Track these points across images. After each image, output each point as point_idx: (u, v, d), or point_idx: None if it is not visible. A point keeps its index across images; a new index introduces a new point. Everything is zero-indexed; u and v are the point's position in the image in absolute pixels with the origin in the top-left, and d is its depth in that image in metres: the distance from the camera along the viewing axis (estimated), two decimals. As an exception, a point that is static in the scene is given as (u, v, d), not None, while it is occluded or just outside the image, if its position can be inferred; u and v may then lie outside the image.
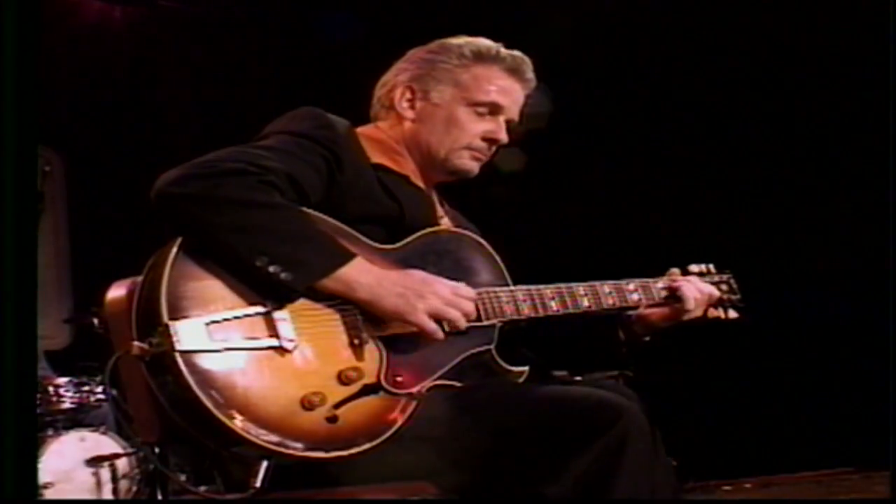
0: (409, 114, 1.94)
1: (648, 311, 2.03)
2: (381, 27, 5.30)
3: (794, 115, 4.62)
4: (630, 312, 2.04)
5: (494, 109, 1.97)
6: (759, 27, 4.60)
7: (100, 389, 4.32)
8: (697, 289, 2.05)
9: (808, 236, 4.60)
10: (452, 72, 1.94)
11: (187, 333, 1.49)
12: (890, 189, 2.19)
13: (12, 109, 1.59)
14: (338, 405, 1.58)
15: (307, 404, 1.55)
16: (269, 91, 5.51)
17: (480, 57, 1.94)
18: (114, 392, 1.72)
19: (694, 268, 2.17)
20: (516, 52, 1.97)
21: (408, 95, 1.94)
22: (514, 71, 1.97)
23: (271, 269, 1.55)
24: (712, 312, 2.14)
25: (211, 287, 1.55)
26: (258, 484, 1.53)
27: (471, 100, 1.94)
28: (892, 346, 2.10)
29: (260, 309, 1.56)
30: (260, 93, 5.52)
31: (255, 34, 5.78)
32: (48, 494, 3.87)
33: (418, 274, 1.72)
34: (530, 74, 1.99)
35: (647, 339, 2.06)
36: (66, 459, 4.02)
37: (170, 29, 5.79)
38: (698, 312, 2.05)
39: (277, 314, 1.58)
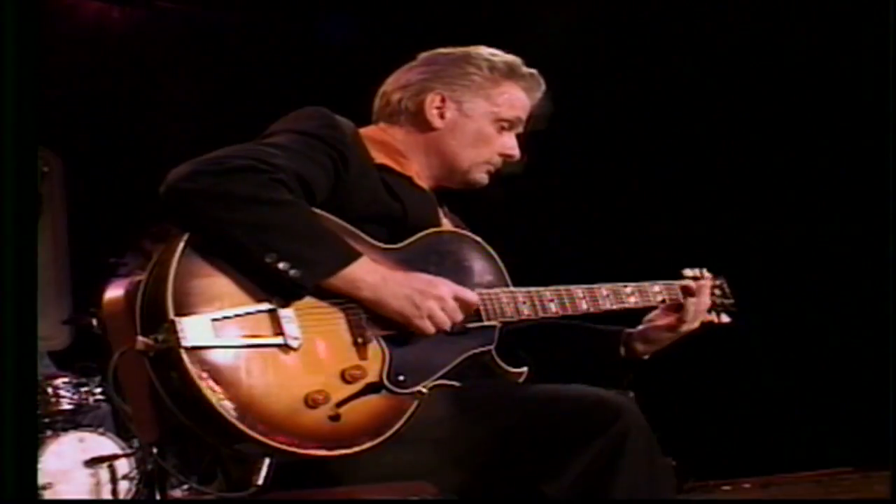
0: (438, 122, 1.94)
1: (649, 328, 2.04)
2: (380, 27, 5.31)
3: (793, 121, 4.62)
4: (630, 330, 2.05)
5: (513, 125, 2.00)
6: (760, 29, 4.61)
7: (99, 390, 4.33)
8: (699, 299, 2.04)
9: (805, 236, 4.61)
10: (483, 85, 1.95)
11: (193, 330, 1.49)
12: (889, 188, 2.20)
13: (12, 110, 1.59)
14: (341, 403, 1.58)
15: (311, 402, 1.55)
16: (268, 91, 5.51)
17: (509, 72, 1.96)
18: (115, 394, 1.72)
19: (688, 272, 2.18)
20: (533, 70, 2.00)
21: (437, 103, 1.94)
22: (530, 89, 2.00)
23: (280, 265, 1.56)
24: (705, 317, 2.15)
25: (217, 284, 1.55)
26: (260, 482, 1.54)
27: (499, 116, 1.97)
28: (892, 346, 2.10)
29: (266, 306, 1.57)
30: (258, 93, 5.53)
31: (253, 34, 5.79)
32: (47, 495, 3.88)
33: (423, 275, 1.73)
34: (540, 94, 2.03)
35: (647, 357, 2.06)
36: (65, 460, 4.03)
37: (168, 29, 5.79)
38: (695, 324, 2.05)
39: (283, 312, 1.58)
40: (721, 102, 4.77)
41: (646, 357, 2.05)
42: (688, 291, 2.06)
